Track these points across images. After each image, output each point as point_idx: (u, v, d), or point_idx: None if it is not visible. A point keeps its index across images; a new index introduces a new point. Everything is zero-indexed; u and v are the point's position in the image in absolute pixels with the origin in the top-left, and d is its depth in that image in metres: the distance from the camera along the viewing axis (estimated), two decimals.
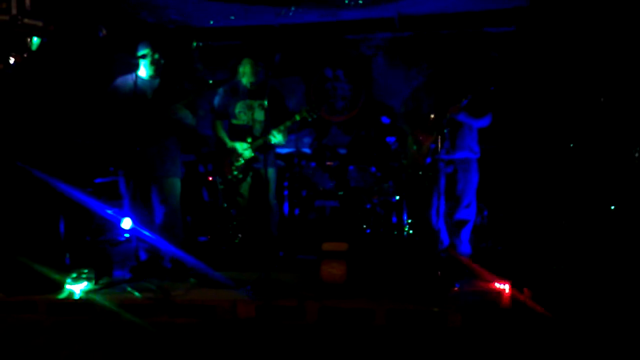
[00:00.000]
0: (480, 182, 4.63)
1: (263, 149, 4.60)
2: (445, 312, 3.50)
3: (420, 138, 4.50)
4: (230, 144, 4.77)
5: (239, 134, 4.78)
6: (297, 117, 4.60)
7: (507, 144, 5.40)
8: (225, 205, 5.53)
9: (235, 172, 4.76)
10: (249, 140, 4.73)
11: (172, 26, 6.36)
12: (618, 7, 4.66)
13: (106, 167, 5.20)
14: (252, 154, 4.71)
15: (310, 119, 4.62)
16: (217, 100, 4.88)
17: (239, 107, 4.79)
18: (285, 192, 5.56)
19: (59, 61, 4.59)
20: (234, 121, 4.82)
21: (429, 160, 4.41)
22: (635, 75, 4.66)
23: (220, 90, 4.91)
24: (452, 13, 5.97)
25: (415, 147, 4.58)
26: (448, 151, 4.45)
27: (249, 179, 4.82)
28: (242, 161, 4.73)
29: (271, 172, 4.83)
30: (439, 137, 4.17)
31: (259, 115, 4.76)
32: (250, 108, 4.78)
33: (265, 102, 4.28)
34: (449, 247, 4.64)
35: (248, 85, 4.79)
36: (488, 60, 5.94)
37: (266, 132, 4.61)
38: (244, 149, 4.71)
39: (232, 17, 6.08)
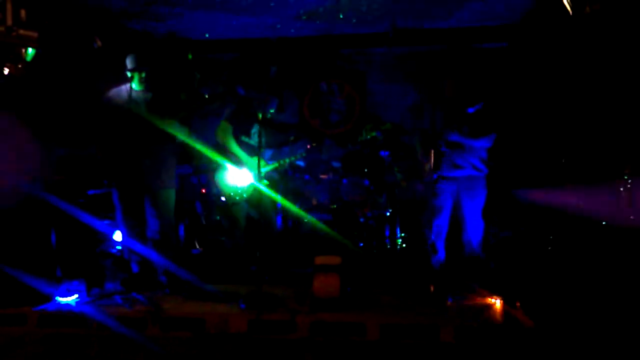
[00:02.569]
0: None
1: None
2: (438, 327, 3.50)
3: (421, 157, 4.52)
4: (246, 159, 4.80)
5: (248, 153, 4.82)
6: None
7: (498, 159, 5.42)
8: (218, 217, 5.52)
9: (240, 191, 4.82)
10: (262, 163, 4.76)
11: (165, 36, 6.37)
12: (609, 23, 4.72)
13: (100, 179, 5.18)
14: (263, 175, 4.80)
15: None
16: (235, 116, 4.90)
17: (255, 128, 4.84)
18: (279, 205, 5.54)
19: (52, 72, 4.59)
20: (245, 139, 4.87)
21: (432, 177, 4.42)
22: (628, 91, 4.70)
23: (238, 107, 4.96)
24: (446, 29, 6.02)
25: (417, 165, 4.60)
26: (449, 169, 4.42)
27: (244, 204, 4.89)
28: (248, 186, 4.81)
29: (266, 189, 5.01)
30: (439, 155, 4.22)
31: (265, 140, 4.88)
32: (259, 133, 4.79)
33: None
34: (444, 263, 4.59)
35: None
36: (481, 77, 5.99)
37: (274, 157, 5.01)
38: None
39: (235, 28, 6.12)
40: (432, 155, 4.42)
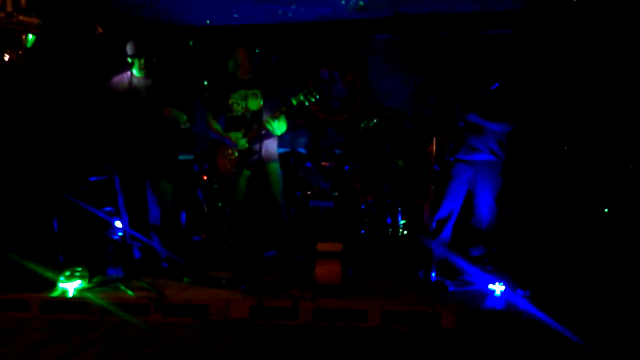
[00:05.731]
0: None
1: (258, 139, 4.37)
2: (439, 314, 3.51)
3: (442, 138, 4.37)
4: (224, 133, 4.55)
5: (234, 126, 4.53)
6: (294, 102, 4.34)
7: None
8: (220, 204, 5.51)
9: (229, 167, 4.53)
10: (243, 131, 4.48)
11: (167, 24, 6.34)
12: (615, 10, 4.68)
13: (101, 166, 5.19)
14: (246, 145, 4.45)
15: (307, 103, 4.38)
16: (210, 93, 4.71)
17: (232, 99, 4.54)
18: (281, 192, 5.55)
19: (54, 59, 4.58)
20: (229, 114, 4.57)
21: (446, 158, 4.27)
22: (633, 77, 4.67)
23: (213, 82, 4.76)
24: (450, 14, 5.98)
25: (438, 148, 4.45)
26: (467, 152, 4.24)
27: (245, 172, 4.56)
28: (236, 154, 4.49)
29: (275, 167, 4.58)
30: (458, 136, 4.10)
31: (253, 104, 4.49)
32: (244, 98, 4.53)
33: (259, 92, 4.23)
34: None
35: (242, 76, 4.56)
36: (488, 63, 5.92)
37: (261, 121, 4.39)
38: (237, 139, 4.48)
39: (236, 15, 6.08)
40: (448, 139, 4.26)
